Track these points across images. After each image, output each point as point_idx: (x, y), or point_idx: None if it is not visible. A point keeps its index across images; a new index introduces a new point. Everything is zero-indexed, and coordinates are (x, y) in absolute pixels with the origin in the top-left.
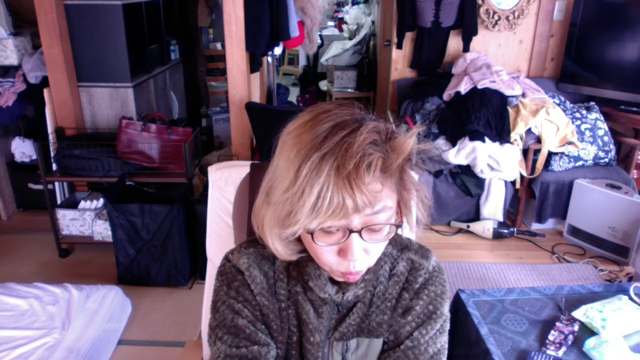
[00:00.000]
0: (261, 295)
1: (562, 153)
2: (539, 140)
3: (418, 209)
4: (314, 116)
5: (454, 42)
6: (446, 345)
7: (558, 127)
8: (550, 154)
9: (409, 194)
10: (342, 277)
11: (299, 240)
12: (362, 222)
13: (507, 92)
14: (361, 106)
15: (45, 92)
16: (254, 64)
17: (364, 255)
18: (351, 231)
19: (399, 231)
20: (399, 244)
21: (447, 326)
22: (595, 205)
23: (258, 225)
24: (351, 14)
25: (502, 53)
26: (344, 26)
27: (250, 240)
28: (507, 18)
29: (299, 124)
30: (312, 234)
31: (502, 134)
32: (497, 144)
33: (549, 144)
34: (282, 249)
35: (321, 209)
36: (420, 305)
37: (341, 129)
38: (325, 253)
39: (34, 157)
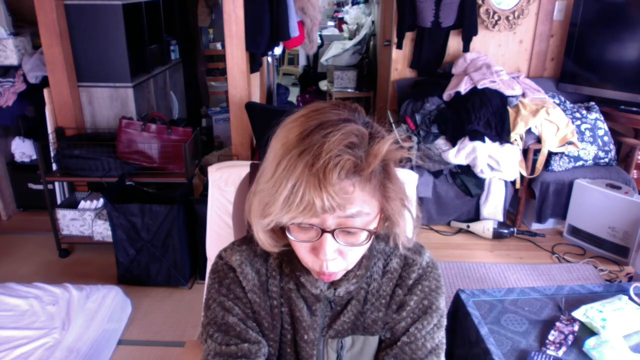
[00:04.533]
0: (252, 293)
1: (562, 153)
2: (539, 140)
3: (402, 220)
4: (305, 113)
5: (454, 42)
6: (444, 341)
7: (558, 127)
8: (550, 154)
9: (390, 203)
10: (318, 276)
11: (283, 232)
12: (336, 223)
13: (507, 92)
14: (357, 107)
15: (45, 92)
16: (254, 64)
17: (337, 256)
18: (324, 231)
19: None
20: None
21: (444, 321)
22: (595, 205)
23: (247, 212)
24: (351, 14)
25: (502, 53)
26: (344, 26)
27: (243, 238)
28: (507, 18)
29: (292, 119)
30: (286, 227)
31: (502, 134)
32: (497, 144)
33: (549, 144)
34: (265, 239)
35: (292, 204)
36: (415, 300)
37: (323, 128)
38: (300, 248)
39: (34, 157)
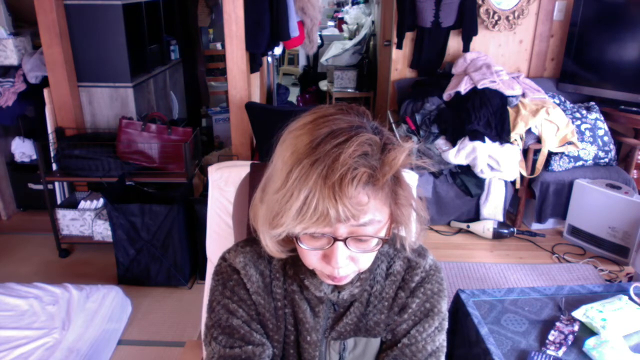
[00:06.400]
0: (257, 294)
1: (562, 153)
2: (539, 140)
3: (411, 224)
4: (314, 119)
5: (454, 42)
6: (445, 344)
7: (558, 127)
8: (550, 154)
9: (401, 209)
10: (328, 279)
11: (290, 238)
12: (348, 231)
13: (507, 92)
14: (365, 110)
15: (45, 92)
16: (254, 64)
17: (349, 262)
18: (336, 239)
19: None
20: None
21: (446, 324)
22: (595, 205)
23: (252, 219)
24: (351, 14)
25: (502, 53)
26: (344, 26)
27: (247, 239)
28: (507, 18)
29: (299, 125)
30: (297, 237)
31: (502, 134)
32: (497, 144)
33: (549, 144)
34: (272, 246)
35: (306, 215)
36: (417, 303)
37: (335, 137)
38: (311, 256)
39: (34, 157)
